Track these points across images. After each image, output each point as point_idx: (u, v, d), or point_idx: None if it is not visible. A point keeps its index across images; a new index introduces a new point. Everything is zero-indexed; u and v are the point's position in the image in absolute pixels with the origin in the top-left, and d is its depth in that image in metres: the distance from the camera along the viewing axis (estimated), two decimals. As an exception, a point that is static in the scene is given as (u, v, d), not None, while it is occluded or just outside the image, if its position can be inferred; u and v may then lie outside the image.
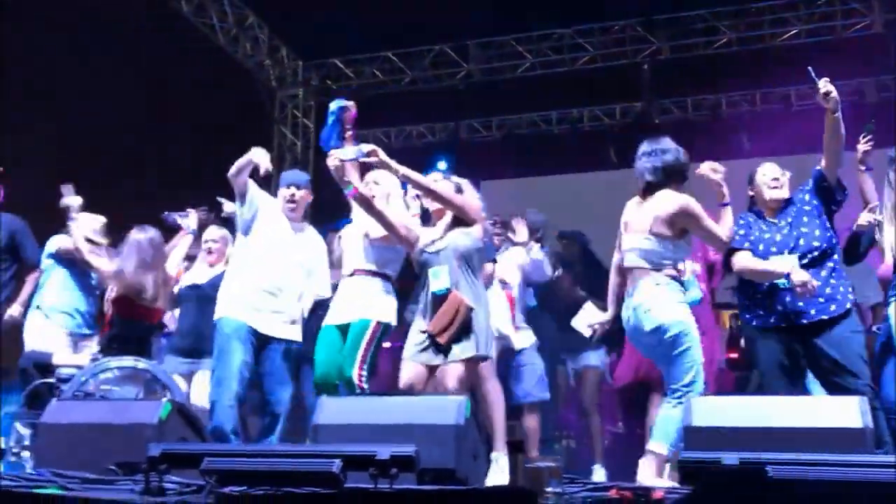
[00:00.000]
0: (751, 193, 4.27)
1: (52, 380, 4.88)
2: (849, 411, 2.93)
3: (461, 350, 3.92)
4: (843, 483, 2.32)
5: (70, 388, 4.59)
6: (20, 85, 7.05)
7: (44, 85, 7.33)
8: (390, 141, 10.93)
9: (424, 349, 4.02)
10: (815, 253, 3.98)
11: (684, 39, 9.41)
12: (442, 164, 10.38)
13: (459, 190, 4.29)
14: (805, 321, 3.91)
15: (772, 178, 4.16)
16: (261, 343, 4.58)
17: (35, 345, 5.29)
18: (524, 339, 5.09)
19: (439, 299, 3.99)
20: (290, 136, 10.69)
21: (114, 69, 7.67)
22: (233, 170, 4.59)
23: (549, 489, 2.61)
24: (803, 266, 3.91)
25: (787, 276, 3.84)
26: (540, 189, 9.81)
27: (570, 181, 9.90)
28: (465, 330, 3.92)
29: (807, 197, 4.14)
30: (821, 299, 3.89)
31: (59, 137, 7.33)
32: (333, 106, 4.53)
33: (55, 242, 5.50)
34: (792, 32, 9.08)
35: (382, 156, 4.08)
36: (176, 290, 5.42)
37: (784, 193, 4.16)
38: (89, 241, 5.33)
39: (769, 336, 3.99)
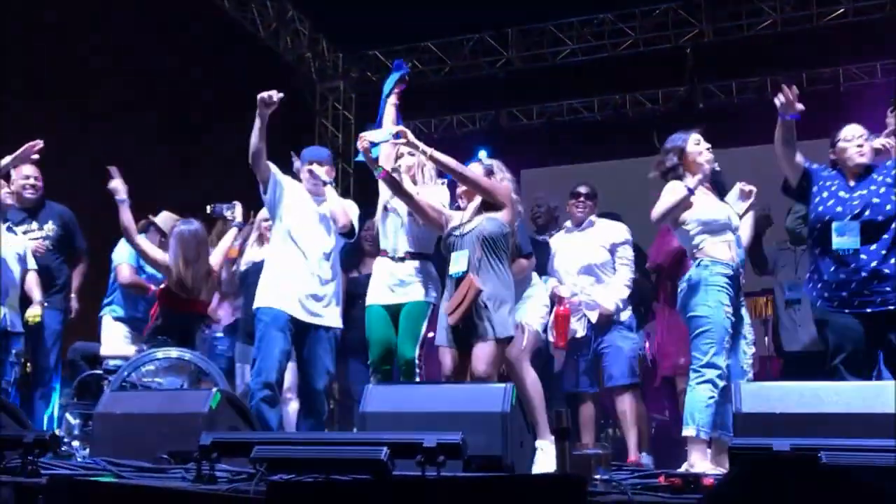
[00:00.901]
0: (832, 157, 4.13)
1: (99, 371, 5.00)
2: (901, 396, 2.88)
3: (477, 333, 3.94)
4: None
5: (116, 380, 4.68)
6: (52, 75, 7.18)
7: (84, 82, 7.44)
8: (431, 131, 10.94)
9: (450, 334, 4.05)
10: (883, 225, 3.87)
11: (728, 21, 9.26)
12: (482, 154, 10.37)
13: (490, 172, 4.27)
14: (883, 308, 3.80)
15: (857, 144, 4.02)
16: (300, 330, 4.61)
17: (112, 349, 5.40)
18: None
19: (456, 282, 4.03)
20: (332, 129, 10.75)
21: (154, 64, 7.77)
22: (252, 143, 4.55)
23: (597, 476, 2.60)
24: (864, 237, 3.84)
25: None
26: (582, 176, 9.69)
27: (613, 168, 9.80)
28: (476, 313, 3.93)
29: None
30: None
31: (99, 133, 7.44)
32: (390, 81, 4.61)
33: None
34: (839, 12, 8.89)
35: (411, 137, 4.15)
36: (234, 272, 5.53)
37: (866, 159, 4.02)
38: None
39: (844, 319, 3.88)
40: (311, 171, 4.65)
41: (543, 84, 10.14)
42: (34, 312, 5.18)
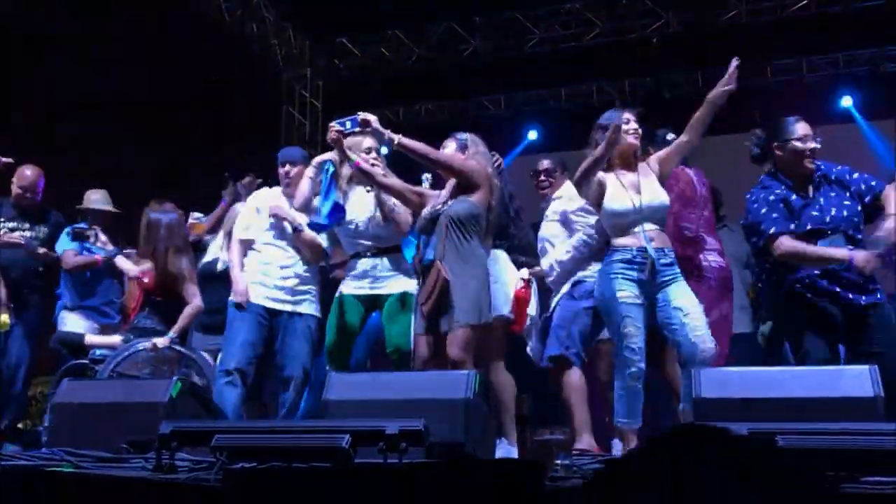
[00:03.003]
0: (779, 153, 3.96)
1: (84, 361, 4.96)
2: (860, 380, 2.92)
3: (446, 319, 3.91)
4: (853, 451, 2.31)
5: (104, 369, 4.66)
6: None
7: (44, 63, 7.31)
8: (399, 119, 10.90)
9: (424, 321, 4.04)
10: (851, 230, 3.79)
11: (693, 12, 9.31)
12: (532, 134, 10.37)
13: (464, 147, 4.23)
14: (858, 304, 3.74)
15: (810, 148, 3.88)
16: (272, 320, 4.62)
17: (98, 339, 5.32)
18: None
19: (425, 268, 4.02)
20: (298, 116, 10.66)
21: (118, 50, 7.66)
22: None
23: (558, 461, 2.61)
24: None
25: (850, 262, 3.64)
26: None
27: (580, 157, 9.84)
28: (446, 299, 3.90)
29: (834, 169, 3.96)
30: (870, 285, 3.75)
31: (62, 118, 7.33)
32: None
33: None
34: (802, 3, 8.97)
35: (376, 124, 4.15)
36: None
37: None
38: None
39: (816, 309, 3.80)
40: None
41: (511, 73, 10.14)
42: (3, 321, 5.10)
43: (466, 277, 3.93)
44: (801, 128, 3.93)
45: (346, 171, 4.52)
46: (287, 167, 4.78)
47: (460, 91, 10.66)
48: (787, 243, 3.79)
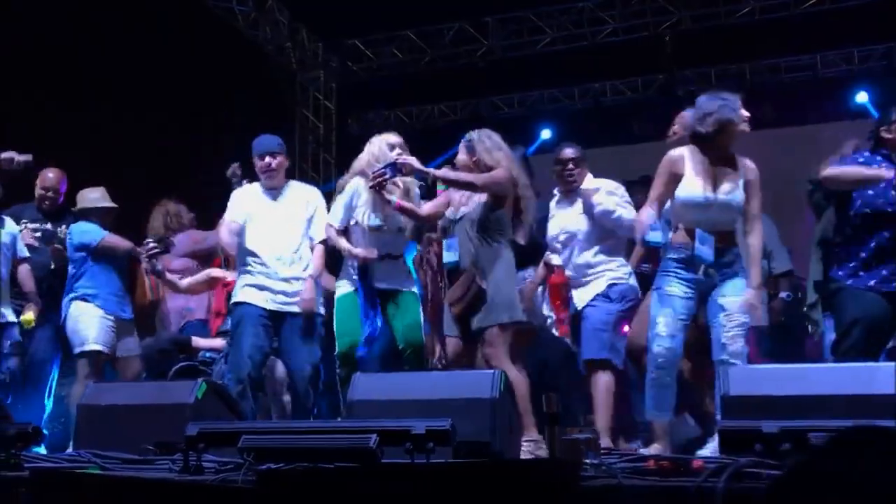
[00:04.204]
0: (886, 136, 4.12)
1: (195, 362, 5.10)
2: (890, 377, 2.90)
3: (478, 320, 3.96)
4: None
5: (218, 371, 4.81)
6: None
7: (63, 70, 7.35)
8: (412, 121, 10.92)
9: (455, 324, 4.09)
10: None
11: (706, 9, 9.29)
12: (546, 133, 10.38)
13: (471, 150, 4.21)
14: None
15: None
16: (275, 321, 4.61)
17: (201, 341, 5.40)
18: None
19: (450, 271, 4.05)
20: (312, 119, 10.69)
21: (133, 55, 7.69)
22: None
23: (588, 460, 2.60)
24: None
25: (891, 180, 3.82)
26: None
27: (593, 156, 9.82)
28: (479, 301, 3.95)
29: None
30: None
31: (80, 127, 7.36)
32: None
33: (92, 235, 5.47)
34: (815, -1, 8.94)
35: (417, 165, 4.18)
36: None
37: None
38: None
39: (864, 296, 3.90)
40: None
41: (523, 73, 10.14)
42: (27, 318, 5.11)
43: (497, 278, 3.98)
44: None
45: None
46: (268, 158, 4.71)
47: (473, 91, 10.66)
48: (829, 168, 3.95)
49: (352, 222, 4.58)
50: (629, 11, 9.51)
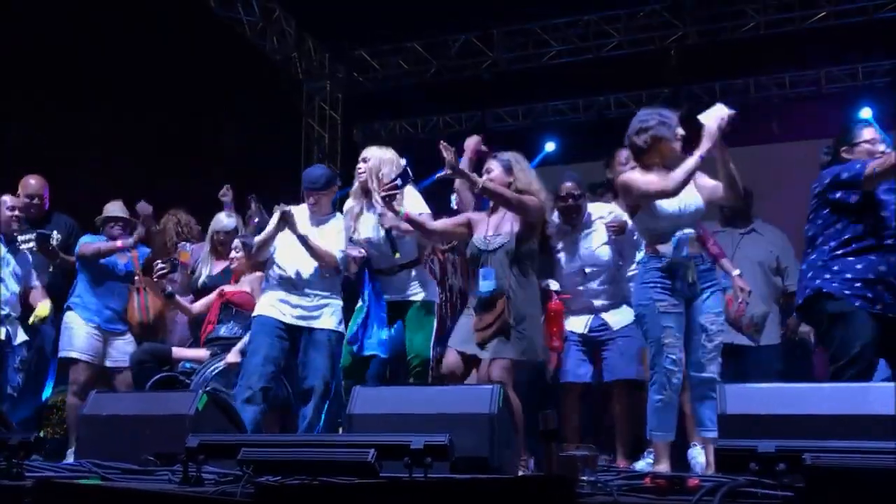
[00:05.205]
0: (846, 157, 3.91)
1: (173, 373, 5.07)
2: (887, 398, 2.90)
3: (495, 349, 3.98)
4: (883, 471, 2.30)
5: (197, 382, 4.80)
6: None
7: (63, 70, 7.38)
8: (416, 131, 10.96)
9: (467, 341, 4.09)
10: None
11: (711, 24, 9.31)
12: (550, 146, 10.40)
13: (509, 169, 4.26)
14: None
15: (879, 151, 3.85)
16: (292, 335, 4.66)
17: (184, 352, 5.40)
18: None
19: (484, 300, 4.04)
20: (318, 129, 10.73)
21: (133, 56, 7.72)
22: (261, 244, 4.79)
23: (584, 477, 2.61)
24: None
25: None
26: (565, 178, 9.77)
27: (596, 169, 9.85)
28: (504, 333, 3.97)
29: None
30: None
31: (80, 127, 7.39)
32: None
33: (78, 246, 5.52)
34: (821, 15, 8.95)
35: (467, 172, 4.28)
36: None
37: None
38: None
39: (867, 318, 3.69)
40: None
41: (528, 85, 10.16)
42: (41, 313, 5.17)
43: (529, 315, 4.04)
44: (868, 132, 3.96)
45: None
46: (310, 198, 4.83)
47: (478, 103, 10.69)
48: (873, 162, 3.69)
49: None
50: (635, 25, 9.53)
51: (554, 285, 4.49)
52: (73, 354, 5.27)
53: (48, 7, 7.03)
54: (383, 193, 4.30)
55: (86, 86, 7.48)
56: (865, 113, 9.30)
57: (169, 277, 5.33)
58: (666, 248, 3.86)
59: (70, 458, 4.46)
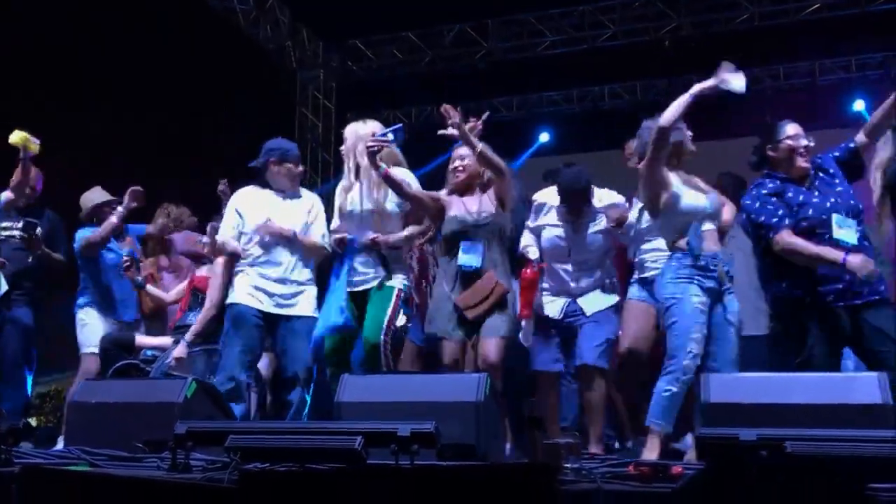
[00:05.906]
0: (772, 154, 3.96)
1: (136, 360, 5.08)
2: (869, 388, 2.93)
3: (496, 327, 3.99)
4: (862, 459, 2.33)
5: (157, 369, 4.78)
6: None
7: (64, 72, 7.39)
8: (410, 121, 10.95)
9: (457, 325, 4.07)
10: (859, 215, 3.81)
11: (706, 15, 9.32)
12: (544, 136, 10.40)
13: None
14: (859, 301, 3.71)
15: (803, 146, 3.88)
16: (270, 323, 4.60)
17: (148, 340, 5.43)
18: None
19: (468, 274, 4.04)
20: (311, 118, 10.72)
21: (133, 55, 7.72)
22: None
23: (568, 465, 2.63)
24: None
25: (843, 262, 3.62)
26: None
27: (592, 159, 9.86)
28: (500, 309, 4.00)
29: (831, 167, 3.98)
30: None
31: (80, 127, 7.39)
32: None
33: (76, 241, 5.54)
34: (814, 7, 8.96)
35: (466, 134, 4.23)
36: None
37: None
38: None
39: (816, 311, 3.74)
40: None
41: (523, 75, 10.17)
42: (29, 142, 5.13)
43: (512, 291, 4.08)
44: (791, 128, 3.96)
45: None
46: (301, 166, 4.78)
47: (472, 93, 10.67)
48: (785, 238, 3.77)
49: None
50: (629, 16, 9.54)
51: (533, 253, 4.44)
52: (98, 350, 5.27)
53: (48, 7, 7.04)
54: (370, 143, 4.24)
55: (86, 86, 7.48)
56: (858, 105, 9.33)
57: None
58: (686, 241, 3.82)
59: (60, 446, 4.46)
